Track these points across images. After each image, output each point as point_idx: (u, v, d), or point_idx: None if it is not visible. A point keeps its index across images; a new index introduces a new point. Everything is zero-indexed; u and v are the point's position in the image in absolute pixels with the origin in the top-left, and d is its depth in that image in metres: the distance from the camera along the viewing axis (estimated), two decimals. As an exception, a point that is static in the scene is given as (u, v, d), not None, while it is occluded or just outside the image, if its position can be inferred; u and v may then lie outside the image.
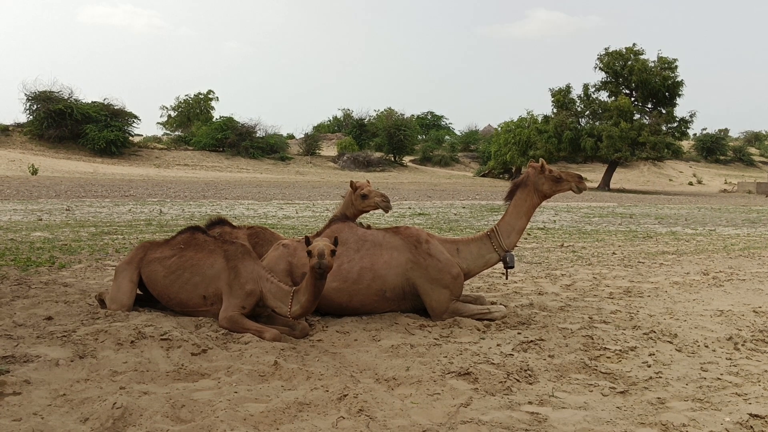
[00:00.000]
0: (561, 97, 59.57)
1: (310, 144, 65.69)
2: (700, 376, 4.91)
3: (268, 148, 61.84)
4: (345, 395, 4.27)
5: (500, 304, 6.92)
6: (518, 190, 6.64)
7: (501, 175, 63.82)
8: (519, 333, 5.85)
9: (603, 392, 4.54)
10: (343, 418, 3.95)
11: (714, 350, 5.54)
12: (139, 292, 6.23)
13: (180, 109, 72.23)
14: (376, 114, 71.16)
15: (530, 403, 4.30)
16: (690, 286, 8.36)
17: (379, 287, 6.20)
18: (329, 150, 68.00)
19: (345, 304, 6.20)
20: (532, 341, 5.55)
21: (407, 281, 6.25)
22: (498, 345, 5.51)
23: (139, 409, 3.92)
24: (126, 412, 3.86)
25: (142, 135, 70.74)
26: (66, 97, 58.02)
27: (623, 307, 7.07)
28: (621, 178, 68.21)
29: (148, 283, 6.10)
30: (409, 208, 26.55)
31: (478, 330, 5.98)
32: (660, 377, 4.84)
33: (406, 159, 68.27)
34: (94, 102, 59.22)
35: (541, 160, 6.72)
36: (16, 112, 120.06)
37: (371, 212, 8.96)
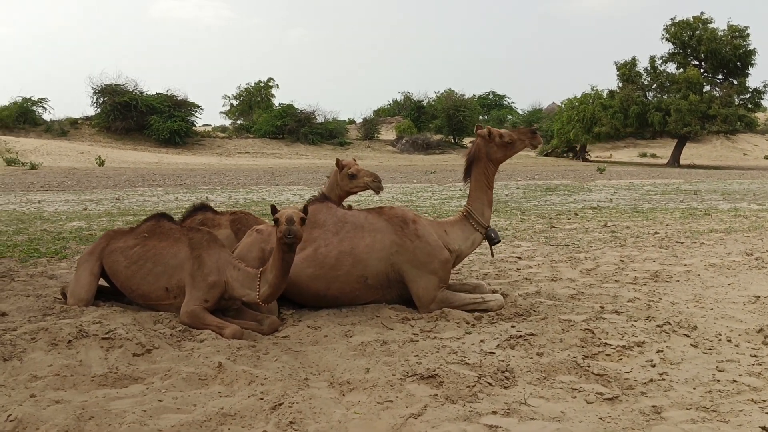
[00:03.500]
0: (627, 71, 57.02)
1: (369, 128, 65.09)
2: (713, 377, 4.13)
3: (327, 133, 61.57)
4: (280, 404, 3.71)
5: (501, 292, 6.22)
6: (473, 166, 6.01)
7: (565, 154, 61.77)
8: (513, 326, 5.17)
9: (588, 399, 3.84)
10: (266, 432, 3.41)
11: (737, 345, 4.73)
12: (107, 284, 5.83)
13: (242, 98, 72.86)
14: (436, 96, 70.14)
15: (494, 413, 3.64)
16: (727, 268, 7.42)
17: (360, 273, 5.60)
18: (388, 134, 67.31)
19: (322, 293, 5.62)
20: (521, 336, 4.86)
21: (392, 267, 5.64)
22: (482, 341, 4.84)
23: (36, 422, 3.45)
24: (19, 426, 3.41)
25: (210, 125, 71.81)
26: (131, 90, 59.12)
27: (644, 294, 6.26)
28: (692, 153, 65.15)
29: (111, 274, 5.67)
30: (460, 189, 25.75)
31: (467, 323, 5.32)
32: (663, 380, 4.10)
33: (467, 140, 66.94)
34: (158, 93, 60.15)
35: (486, 126, 6.02)
36: (84, 106, 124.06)
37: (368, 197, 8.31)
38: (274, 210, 4.83)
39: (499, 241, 6.02)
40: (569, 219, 13.35)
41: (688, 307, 5.71)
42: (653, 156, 65.11)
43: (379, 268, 5.61)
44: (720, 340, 4.81)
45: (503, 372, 4.21)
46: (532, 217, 13.86)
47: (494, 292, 6.18)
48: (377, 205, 8.37)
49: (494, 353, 4.55)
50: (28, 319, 5.25)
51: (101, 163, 44.69)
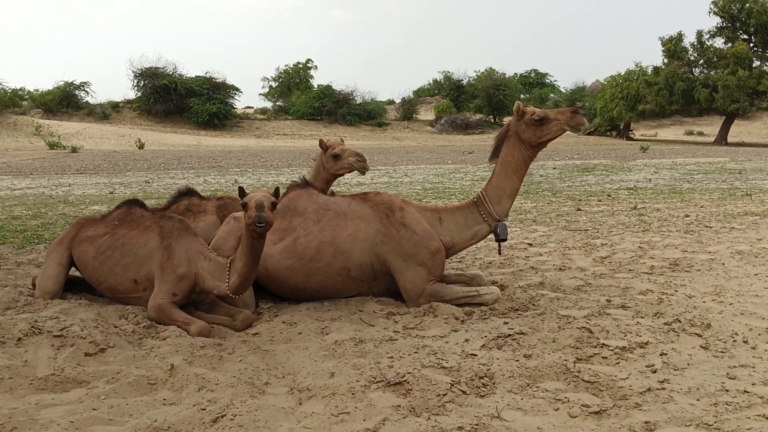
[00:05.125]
0: (672, 46, 55.10)
1: (407, 109, 64.36)
2: (721, 387, 3.61)
3: (366, 114, 61.11)
4: (223, 415, 3.33)
5: (500, 284, 5.73)
6: (503, 145, 5.39)
7: (608, 133, 60.18)
8: (505, 323, 4.69)
9: (571, 412, 3.37)
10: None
11: (754, 347, 4.18)
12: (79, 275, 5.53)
13: (280, 80, 72.76)
14: (476, 75, 68.97)
15: (460, 429, 3.20)
16: (755, 256, 6.76)
17: (342, 265, 5.17)
18: (427, 114, 66.46)
19: (301, 286, 5.22)
20: (511, 335, 4.38)
21: (377, 258, 5.19)
22: (466, 341, 4.38)
23: (-50, 433, 3.15)
24: (-72, 439, 3.11)
25: (252, 107, 71.94)
26: (170, 73, 59.48)
27: (659, 285, 5.70)
28: (741, 131, 62.78)
29: (79, 265, 5.34)
30: (494, 170, 25.08)
31: (456, 319, 4.86)
32: (663, 389, 3.60)
33: (507, 120, 65.82)
34: (197, 76, 60.41)
35: (517, 103, 5.40)
36: (125, 89, 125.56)
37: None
38: (242, 193, 4.43)
39: (505, 239, 5.42)
40: (600, 201, 12.72)
41: (704, 302, 5.14)
42: (700, 134, 63.05)
43: (363, 259, 5.17)
44: (735, 340, 4.27)
45: (482, 378, 3.76)
46: (561, 198, 13.26)
47: (493, 283, 5.70)
48: (394, 191, 7.92)
49: (476, 355, 4.09)
50: (-11, 313, 4.98)
51: (141, 146, 45.05)
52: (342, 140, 6.37)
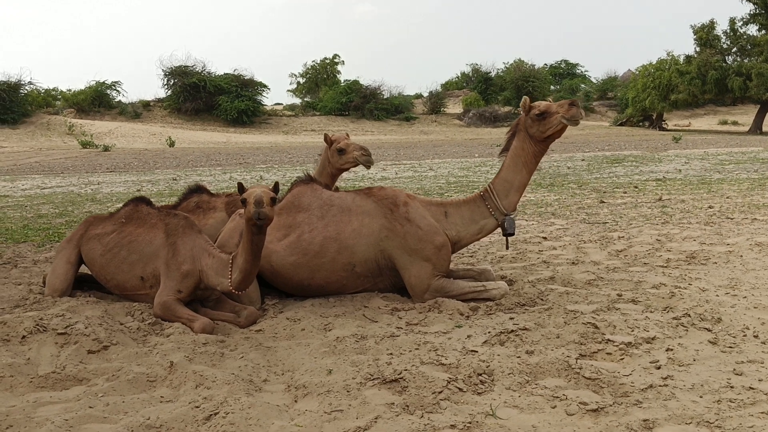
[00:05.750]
0: (704, 34, 53.95)
1: (435, 102, 64.03)
2: (726, 383, 3.50)
3: (393, 109, 60.90)
4: (216, 413, 3.31)
5: (509, 279, 5.65)
6: (514, 138, 5.33)
7: (640, 123, 59.19)
8: (511, 318, 4.61)
9: (568, 409, 3.29)
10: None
11: (765, 342, 4.05)
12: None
13: (308, 76, 72.88)
14: (505, 66, 68.37)
15: (452, 427, 3.14)
16: (776, 248, 6.60)
17: (347, 261, 5.14)
18: (455, 107, 66.05)
19: (306, 282, 5.19)
20: (514, 330, 4.31)
21: (381, 253, 5.15)
22: (468, 336, 4.32)
23: (-54, 430, 3.19)
24: (-76, 436, 3.14)
25: (281, 104, 72.24)
26: (199, 71, 59.95)
27: (673, 279, 5.57)
28: (777, 119, 61.43)
29: (87, 262, 5.38)
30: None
31: (461, 315, 4.79)
32: (666, 385, 3.50)
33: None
34: (226, 74, 60.80)
35: (524, 98, 5.32)
36: (156, 88, 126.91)
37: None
38: (241, 189, 4.42)
39: (512, 234, 5.36)
40: (625, 192, 12.51)
41: (717, 295, 5.01)
42: (734, 123, 61.75)
43: (367, 254, 5.13)
44: (746, 335, 4.14)
45: (480, 375, 3.69)
46: (586, 191, 13.07)
47: (503, 278, 5.62)
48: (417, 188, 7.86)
49: (477, 351, 4.02)
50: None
51: (171, 144, 45.48)
52: (347, 134, 6.32)
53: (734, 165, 20.04)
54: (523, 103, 5.27)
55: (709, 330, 4.23)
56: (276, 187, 4.47)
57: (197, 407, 3.40)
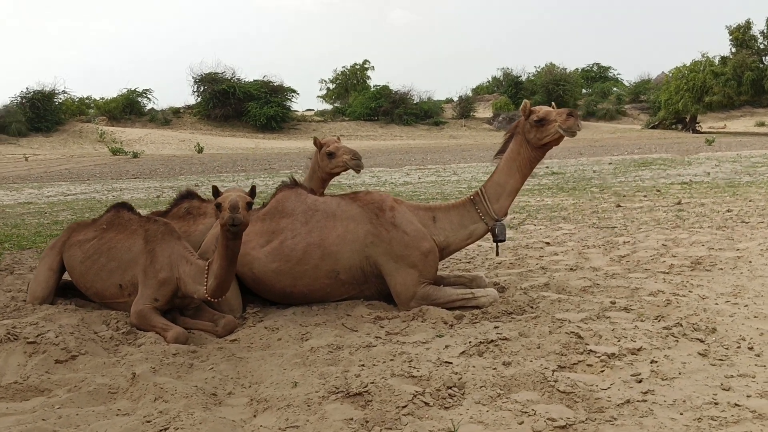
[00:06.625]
0: (740, 35, 52.92)
1: (464, 107, 63.82)
2: (711, 399, 3.27)
3: (422, 113, 60.81)
4: (166, 429, 3.18)
5: (501, 285, 5.43)
6: (509, 143, 5.13)
7: (673, 126, 58.19)
8: (495, 327, 4.40)
9: (535, 426, 3.08)
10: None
11: (759, 354, 3.79)
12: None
13: (338, 81, 73.11)
14: (536, 70, 67.85)
15: (409, 444, 2.97)
16: (788, 253, 6.26)
17: (330, 268, 4.98)
18: (485, 112, 65.65)
19: (289, 289, 5.04)
20: (494, 341, 4.11)
21: (367, 260, 4.98)
22: (447, 347, 4.13)
23: None
24: None
25: (312, 110, 72.58)
26: (229, 78, 60.51)
27: (673, 286, 5.30)
28: (816, 120, 59.83)
29: (68, 269, 5.28)
30: (547, 167, 24.49)
31: (445, 323, 4.60)
32: (644, 401, 3.28)
33: (568, 116, 64.59)
34: (255, 80, 61.27)
35: (525, 102, 5.12)
36: (186, 95, 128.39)
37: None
38: (216, 192, 4.30)
39: (503, 240, 5.17)
40: (645, 196, 12.17)
41: (717, 303, 4.74)
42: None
43: (352, 261, 4.97)
44: (740, 347, 3.89)
45: (450, 387, 3.51)
46: (606, 195, 12.77)
47: (495, 285, 5.42)
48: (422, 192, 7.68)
49: (451, 363, 3.83)
50: (-24, 319, 4.97)
51: (200, 150, 45.87)
52: (338, 138, 6.18)
53: (766, 168, 19.47)
54: (523, 106, 5.08)
55: (701, 341, 3.99)
56: (252, 191, 4.35)
57: (149, 422, 3.27)
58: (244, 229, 4.25)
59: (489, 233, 5.12)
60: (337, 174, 6.12)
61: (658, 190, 13.18)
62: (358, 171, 5.94)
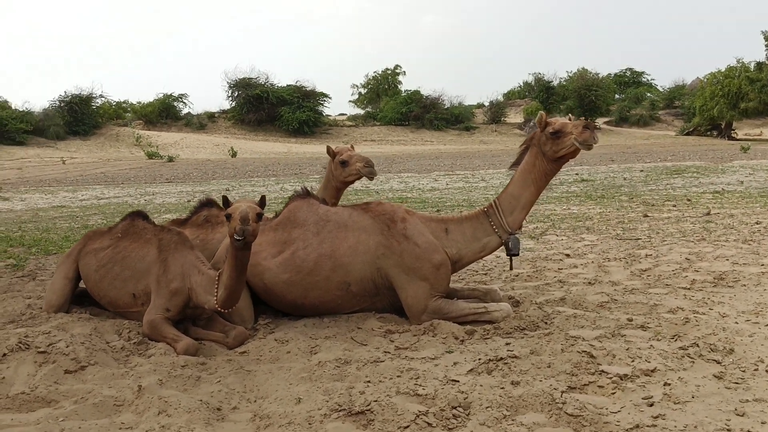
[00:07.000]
0: (776, 40, 51.85)
1: (495, 112, 63.55)
2: (723, 425, 3.16)
3: (453, 118, 60.68)
4: (166, 444, 3.18)
5: (516, 299, 5.33)
6: (526, 153, 5.05)
7: (707, 133, 57.14)
8: (507, 344, 4.33)
9: (539, 451, 3.02)
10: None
11: (777, 378, 3.67)
12: None
13: (369, 86, 73.28)
14: (568, 75, 67.23)
15: (407, 466, 2.92)
16: (816, 270, 6.06)
17: (342, 279, 4.94)
18: (516, 117, 65.26)
19: (299, 300, 5.02)
20: (503, 358, 4.03)
21: (378, 271, 4.93)
22: (455, 363, 4.06)
23: None
24: None
25: (345, 114, 72.89)
26: (263, 83, 61.01)
27: (693, 302, 5.16)
28: None
29: (83, 277, 5.31)
30: (576, 174, 24.20)
31: (456, 339, 4.53)
32: (654, 425, 3.18)
33: (600, 121, 63.71)
34: (288, 85, 61.70)
35: (540, 113, 5.03)
36: (221, 100, 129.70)
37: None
38: (226, 203, 4.30)
39: (517, 254, 5.08)
40: (674, 206, 11.93)
41: (737, 322, 4.60)
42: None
43: (363, 273, 4.93)
44: (757, 369, 3.76)
45: (456, 407, 3.44)
46: (634, 204, 12.55)
47: (510, 298, 5.34)
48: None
49: (458, 381, 3.76)
50: (-8, 327, 5.03)
51: (234, 155, 46.28)
52: (352, 146, 6.15)
53: (803, 176, 19.02)
54: (539, 118, 5.00)
55: (717, 362, 3.87)
56: (262, 202, 4.34)
57: (151, 436, 3.27)
58: (253, 239, 4.25)
59: (502, 246, 5.04)
60: (351, 182, 6.09)
61: (689, 200, 12.92)
62: (371, 179, 5.91)
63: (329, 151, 6.07)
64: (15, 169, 35.46)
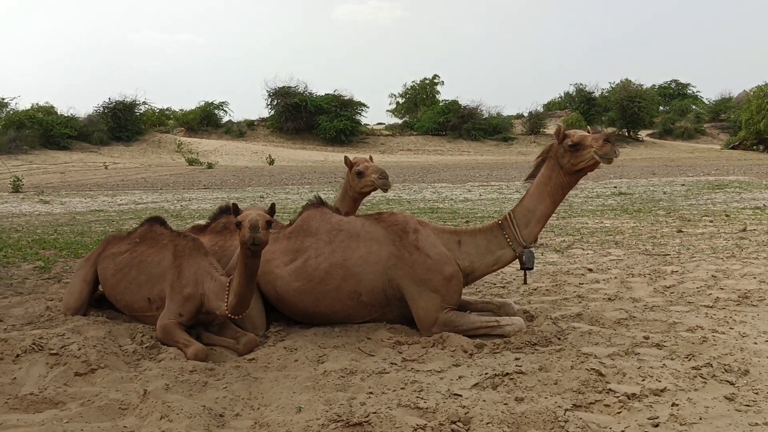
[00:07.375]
0: (829, 52, 50.62)
1: (535, 123, 62.96)
2: (729, 449, 3.06)
3: (491, 129, 60.29)
4: (163, 449, 3.19)
5: (530, 313, 5.25)
6: (543, 165, 4.97)
7: (753, 147, 55.82)
8: (516, 359, 4.25)
9: (535, 470, 2.95)
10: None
11: (791, 402, 3.53)
12: None
13: (407, 96, 73.31)
14: (610, 86, 66.37)
15: (398, 481, 2.87)
16: None
17: (352, 289, 4.92)
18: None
19: (310, 309, 5.01)
20: (509, 374, 3.96)
21: (389, 282, 4.89)
22: (460, 377, 4.00)
23: None
24: None
25: (383, 123, 73.10)
26: (301, 91, 61.53)
27: (714, 321, 5.02)
28: None
29: (101, 281, 5.39)
30: (615, 187, 23.84)
31: (464, 352, 4.47)
32: (658, 447, 3.09)
33: (643, 133, 62.72)
34: (327, 94, 62.12)
35: (558, 125, 4.95)
36: (260, 108, 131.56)
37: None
38: (236, 210, 4.33)
39: (531, 268, 5.00)
40: (711, 221, 11.65)
41: (756, 343, 4.45)
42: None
43: (374, 283, 4.90)
44: (772, 392, 3.63)
45: (455, 422, 3.39)
46: (671, 218, 12.29)
47: (526, 312, 5.25)
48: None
49: (461, 395, 3.71)
50: (6, 328, 5.13)
51: (271, 162, 46.68)
52: (370, 158, 6.14)
53: None
54: (557, 130, 4.93)
55: (730, 383, 3.74)
56: (272, 210, 4.36)
57: (149, 441, 3.28)
58: (263, 247, 4.28)
59: (516, 260, 4.97)
60: (368, 193, 6.09)
61: (727, 215, 12.61)
62: (385, 190, 5.91)
63: (347, 161, 6.08)
64: (58, 173, 36.30)
